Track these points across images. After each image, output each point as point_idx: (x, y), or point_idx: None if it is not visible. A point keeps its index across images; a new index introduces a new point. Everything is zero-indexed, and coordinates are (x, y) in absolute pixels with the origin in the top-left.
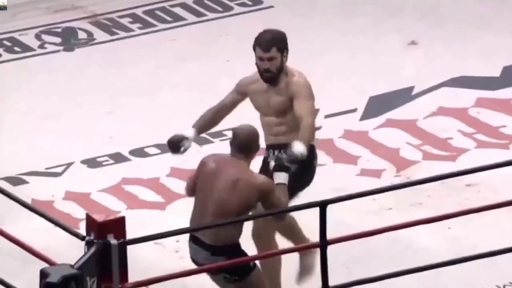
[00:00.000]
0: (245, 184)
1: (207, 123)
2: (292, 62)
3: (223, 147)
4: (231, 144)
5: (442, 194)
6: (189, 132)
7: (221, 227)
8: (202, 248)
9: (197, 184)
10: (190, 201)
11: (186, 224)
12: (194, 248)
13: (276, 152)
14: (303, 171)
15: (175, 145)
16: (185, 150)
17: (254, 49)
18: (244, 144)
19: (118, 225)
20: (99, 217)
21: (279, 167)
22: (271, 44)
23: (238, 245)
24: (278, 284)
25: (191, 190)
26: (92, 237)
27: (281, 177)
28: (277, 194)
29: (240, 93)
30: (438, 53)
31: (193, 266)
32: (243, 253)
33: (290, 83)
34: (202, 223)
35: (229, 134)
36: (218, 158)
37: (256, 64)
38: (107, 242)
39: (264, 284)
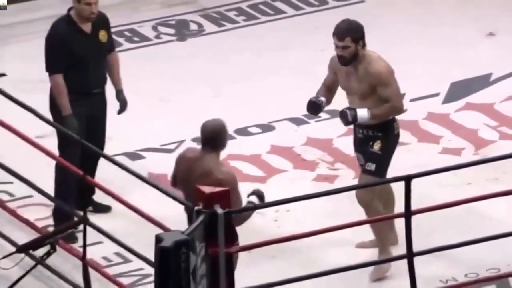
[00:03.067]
0: (210, 178)
1: (327, 93)
2: (381, 49)
3: (318, 128)
4: (201, 138)
5: None
6: (322, 98)
7: None
8: None
9: (177, 177)
10: (288, 176)
11: (284, 195)
12: None
13: (362, 131)
14: (387, 143)
15: (315, 107)
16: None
17: (333, 37)
18: (208, 138)
19: (223, 196)
20: (207, 189)
21: (258, 196)
22: (346, 34)
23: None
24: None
25: (174, 182)
26: (200, 207)
27: (254, 200)
28: (238, 197)
29: (332, 71)
30: None
31: (290, 233)
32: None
33: (370, 70)
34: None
35: (324, 115)
36: (191, 152)
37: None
38: (214, 211)
39: None
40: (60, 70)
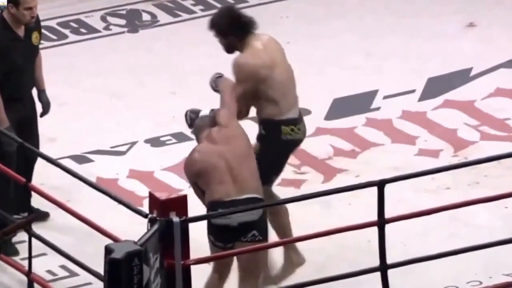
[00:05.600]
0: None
1: None
2: (352, 42)
3: None
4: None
5: (499, 173)
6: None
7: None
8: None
9: (209, 175)
10: None
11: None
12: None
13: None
14: (265, 147)
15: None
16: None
17: None
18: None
19: (180, 203)
20: (162, 195)
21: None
22: (211, 27)
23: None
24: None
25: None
26: (155, 215)
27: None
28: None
29: None
30: (496, 35)
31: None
32: None
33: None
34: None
35: None
36: (214, 140)
37: None
38: (169, 219)
39: None
40: None
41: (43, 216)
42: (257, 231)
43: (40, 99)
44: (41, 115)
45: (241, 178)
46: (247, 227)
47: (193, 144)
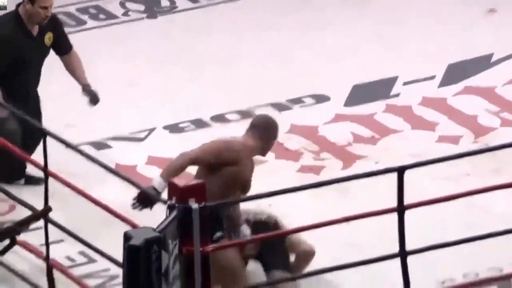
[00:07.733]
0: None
1: None
2: (373, 29)
3: (302, 114)
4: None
5: None
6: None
7: None
8: None
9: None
10: (270, 167)
11: (265, 188)
12: None
13: None
14: None
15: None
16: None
17: None
18: (257, 125)
19: (199, 189)
20: (180, 182)
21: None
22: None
23: None
24: None
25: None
26: (174, 201)
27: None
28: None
29: None
30: None
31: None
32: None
33: None
34: None
35: (309, 100)
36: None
37: None
38: (188, 206)
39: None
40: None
41: (37, 181)
42: None
43: (87, 93)
44: (93, 104)
45: None
46: None
47: (211, 131)
